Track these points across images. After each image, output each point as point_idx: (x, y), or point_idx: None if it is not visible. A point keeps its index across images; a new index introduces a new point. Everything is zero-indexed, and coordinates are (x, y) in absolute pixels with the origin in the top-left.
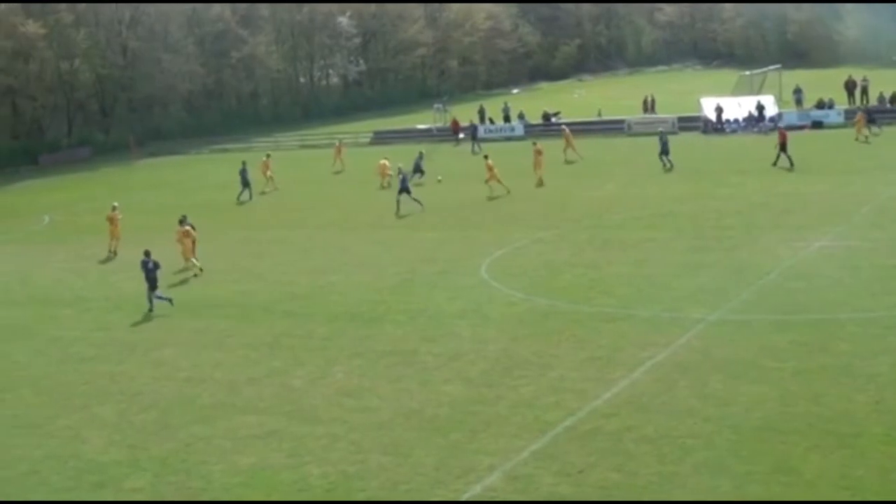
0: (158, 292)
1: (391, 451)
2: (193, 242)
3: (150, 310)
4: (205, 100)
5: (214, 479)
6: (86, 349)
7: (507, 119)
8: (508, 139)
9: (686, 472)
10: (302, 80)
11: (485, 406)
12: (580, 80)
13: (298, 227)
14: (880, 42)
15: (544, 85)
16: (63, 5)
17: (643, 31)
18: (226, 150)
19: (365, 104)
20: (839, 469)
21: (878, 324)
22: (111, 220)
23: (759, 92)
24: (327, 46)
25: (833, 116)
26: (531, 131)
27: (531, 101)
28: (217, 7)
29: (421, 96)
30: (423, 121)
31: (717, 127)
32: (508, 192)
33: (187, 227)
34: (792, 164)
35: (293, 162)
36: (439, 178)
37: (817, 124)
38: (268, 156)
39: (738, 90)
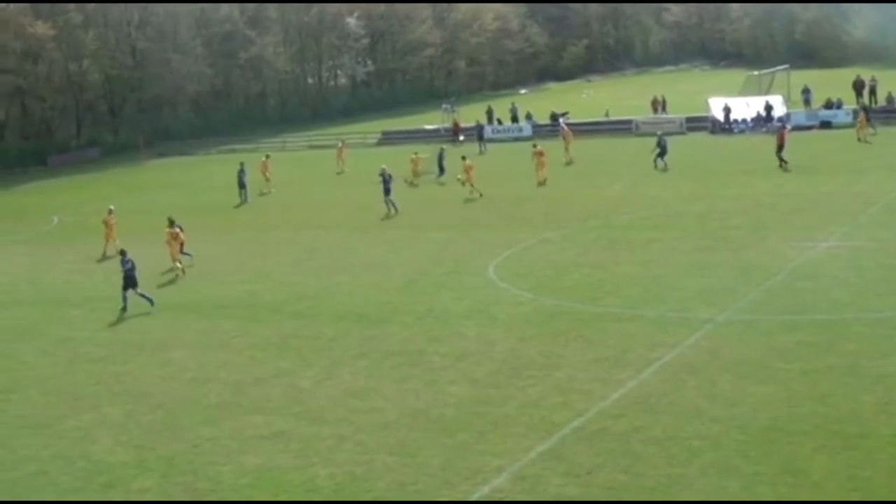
0: (141, 290)
1: (398, 452)
2: (181, 244)
3: (124, 308)
4: (213, 100)
5: (222, 480)
6: (93, 349)
7: (514, 119)
8: (516, 139)
9: (694, 473)
10: (310, 80)
11: (492, 406)
12: (588, 81)
13: (305, 227)
14: (888, 42)
15: (552, 85)
16: (72, 6)
17: (651, 32)
18: (234, 151)
19: (373, 105)
20: (847, 470)
21: (886, 324)
22: (106, 224)
23: (767, 92)
24: (335, 47)
25: (841, 116)
26: (539, 131)
27: (539, 102)
28: (225, 8)
29: (429, 97)
30: (430, 121)
31: (726, 127)
32: (481, 195)
33: (176, 230)
34: (784, 164)
35: (301, 162)
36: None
37: (826, 124)
38: (267, 157)
39: (746, 90)
